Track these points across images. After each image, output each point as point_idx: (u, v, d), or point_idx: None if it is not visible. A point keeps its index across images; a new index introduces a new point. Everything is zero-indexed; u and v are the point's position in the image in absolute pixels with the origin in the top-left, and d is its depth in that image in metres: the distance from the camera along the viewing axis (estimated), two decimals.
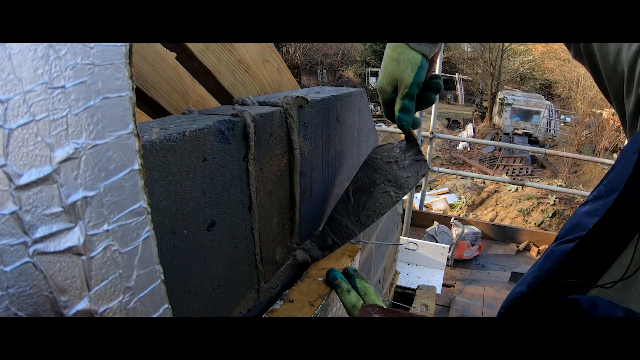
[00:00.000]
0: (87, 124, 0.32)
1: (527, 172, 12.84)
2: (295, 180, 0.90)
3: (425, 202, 6.27)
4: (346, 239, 1.00)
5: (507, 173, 12.55)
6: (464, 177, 8.05)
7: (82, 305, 0.33)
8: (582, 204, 0.67)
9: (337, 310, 1.00)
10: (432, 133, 4.20)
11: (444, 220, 4.23)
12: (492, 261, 3.92)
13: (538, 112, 17.48)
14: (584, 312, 0.58)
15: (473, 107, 21.50)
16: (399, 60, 0.80)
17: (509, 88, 20.63)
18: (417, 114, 0.90)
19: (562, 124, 18.72)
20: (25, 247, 0.29)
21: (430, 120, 4.34)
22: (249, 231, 0.75)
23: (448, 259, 3.54)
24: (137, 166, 0.37)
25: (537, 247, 4.06)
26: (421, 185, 4.70)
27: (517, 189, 9.86)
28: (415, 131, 1.02)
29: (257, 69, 1.11)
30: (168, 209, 0.54)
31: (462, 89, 23.76)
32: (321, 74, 23.07)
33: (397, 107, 0.86)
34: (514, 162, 13.70)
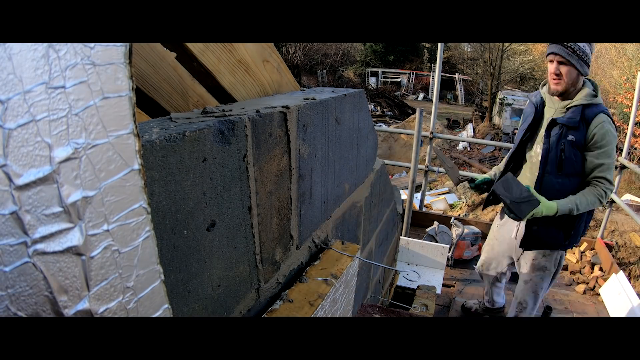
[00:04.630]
0: (87, 124, 0.32)
1: None
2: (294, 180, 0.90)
3: (425, 202, 6.27)
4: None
5: None
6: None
7: (82, 305, 0.33)
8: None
9: (337, 310, 1.00)
10: (432, 133, 4.20)
11: (444, 220, 4.23)
12: None
13: None
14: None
15: (473, 107, 21.50)
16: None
17: (509, 88, 20.62)
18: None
19: None
20: (25, 247, 0.29)
21: (430, 120, 4.34)
22: (249, 231, 0.75)
23: (448, 259, 3.53)
24: (137, 166, 0.37)
25: None
26: (421, 185, 4.70)
27: None
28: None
29: (257, 69, 1.11)
30: (168, 209, 0.54)
31: (462, 89, 23.77)
32: (321, 74, 23.07)
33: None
34: None
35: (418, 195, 4.78)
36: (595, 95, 1.81)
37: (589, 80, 1.86)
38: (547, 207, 1.77)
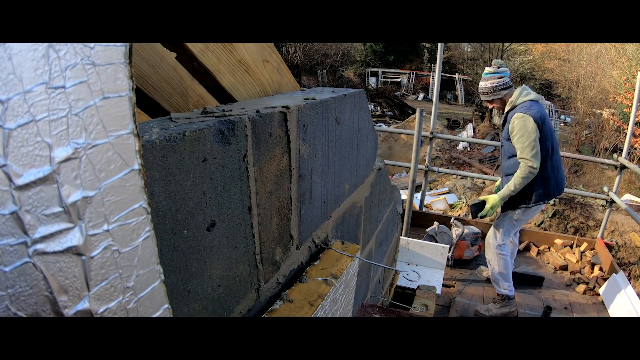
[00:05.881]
0: (87, 124, 0.32)
1: None
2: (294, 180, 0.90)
3: (425, 202, 6.26)
4: None
5: None
6: (464, 177, 8.07)
7: (82, 305, 0.33)
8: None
9: (337, 310, 1.00)
10: (432, 133, 4.20)
11: (444, 220, 4.23)
12: None
13: None
14: None
15: (473, 107, 21.48)
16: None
17: None
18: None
19: (562, 124, 18.72)
20: (25, 247, 0.29)
21: (430, 120, 4.34)
22: (249, 231, 0.75)
23: (448, 259, 3.53)
24: (137, 166, 0.37)
25: (537, 247, 4.05)
26: (421, 185, 4.70)
27: None
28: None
29: (257, 69, 1.11)
30: (168, 209, 0.54)
31: (462, 89, 23.76)
32: (321, 74, 23.05)
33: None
34: None
35: (418, 195, 4.78)
36: (514, 101, 2.60)
37: (521, 86, 2.65)
38: (491, 200, 2.69)
